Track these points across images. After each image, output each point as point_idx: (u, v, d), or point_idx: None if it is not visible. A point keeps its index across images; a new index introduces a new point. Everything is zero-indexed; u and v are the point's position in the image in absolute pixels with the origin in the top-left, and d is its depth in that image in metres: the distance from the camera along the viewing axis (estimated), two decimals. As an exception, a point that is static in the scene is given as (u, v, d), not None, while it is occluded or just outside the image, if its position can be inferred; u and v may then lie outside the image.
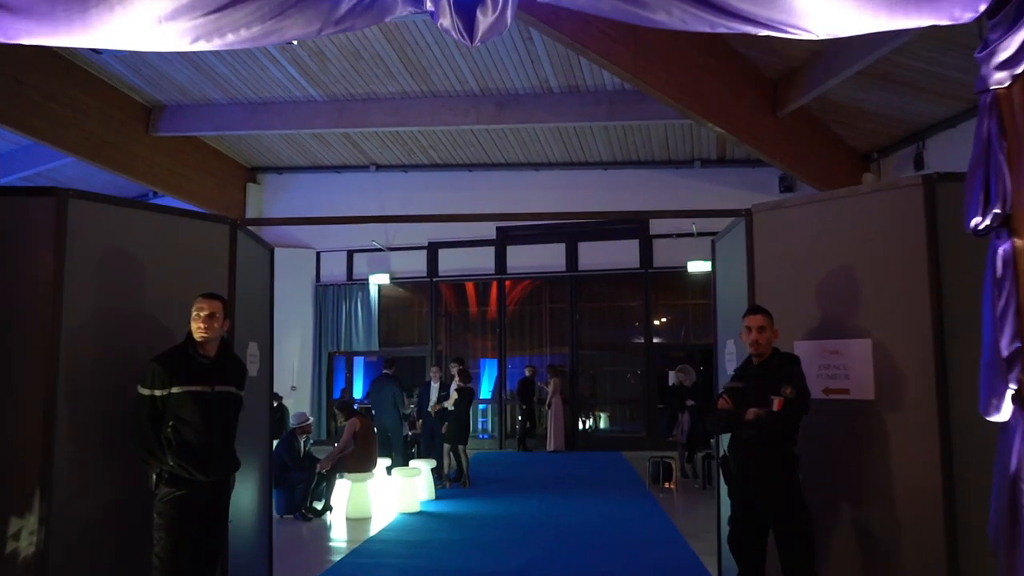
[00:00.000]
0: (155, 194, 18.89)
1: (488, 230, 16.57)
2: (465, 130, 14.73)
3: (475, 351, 17.07)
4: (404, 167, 17.03)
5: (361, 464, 8.00)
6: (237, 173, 17.53)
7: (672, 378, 14.43)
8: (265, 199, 17.97)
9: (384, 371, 10.91)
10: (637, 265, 15.88)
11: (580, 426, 16.02)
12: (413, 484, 8.30)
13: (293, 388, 16.92)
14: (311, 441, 8.19)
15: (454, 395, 10.16)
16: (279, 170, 17.80)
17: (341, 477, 8.13)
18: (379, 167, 17.11)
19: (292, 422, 8.11)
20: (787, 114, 12.34)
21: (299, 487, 7.73)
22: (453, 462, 10.40)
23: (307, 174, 17.73)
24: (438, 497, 9.33)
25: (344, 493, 8.02)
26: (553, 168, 16.41)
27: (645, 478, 10.71)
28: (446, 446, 10.18)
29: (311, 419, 8.18)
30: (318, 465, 7.94)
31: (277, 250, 17.00)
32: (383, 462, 9.53)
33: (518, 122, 13.26)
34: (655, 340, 15.79)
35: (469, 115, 13.38)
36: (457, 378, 10.32)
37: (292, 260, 17.36)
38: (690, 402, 10.58)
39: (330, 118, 13.94)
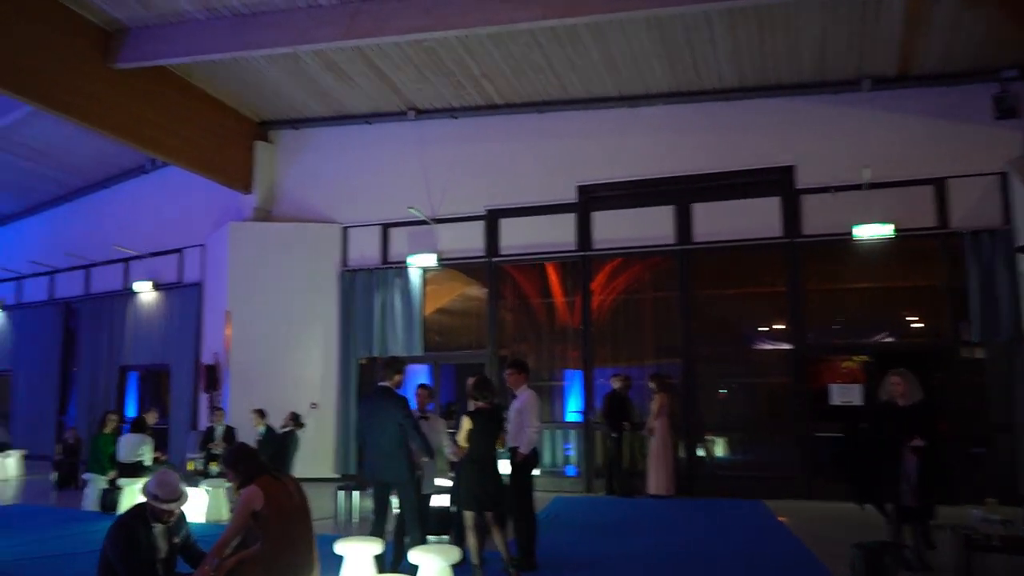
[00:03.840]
0: (154, 163, 15.80)
1: (567, 191, 12.52)
2: (531, 50, 10.77)
3: (555, 358, 13.00)
4: (452, 111, 13.21)
5: (274, 578, 4.06)
6: (241, 128, 14.17)
7: (834, 394, 10.01)
8: (279, 160, 14.53)
9: (380, 384, 6.75)
10: (779, 232, 11.55)
11: (695, 461, 11.65)
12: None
13: (313, 406, 13.32)
14: (184, 531, 4.29)
15: (465, 423, 6.16)
16: (295, 123, 14.31)
17: (240, 605, 4.18)
18: (419, 112, 13.37)
19: (148, 488, 4.22)
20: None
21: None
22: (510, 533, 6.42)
23: (330, 128, 14.21)
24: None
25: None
26: (655, 102, 12.35)
27: (832, 563, 6.44)
28: (467, 515, 6.13)
29: (184, 493, 4.29)
30: (185, 585, 4.04)
31: (291, 227, 13.51)
32: (359, 547, 5.53)
33: (602, 11, 9.17)
34: (806, 339, 11.29)
35: (531, 8, 9.42)
36: (474, 395, 6.35)
37: (311, 238, 13.88)
38: (917, 442, 6.15)
39: (338, 27, 10.28)
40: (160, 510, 4.14)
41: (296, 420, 10.96)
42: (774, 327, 11.90)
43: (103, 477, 10.24)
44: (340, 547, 5.66)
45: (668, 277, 12.22)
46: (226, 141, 13.82)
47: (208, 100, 13.34)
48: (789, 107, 11.71)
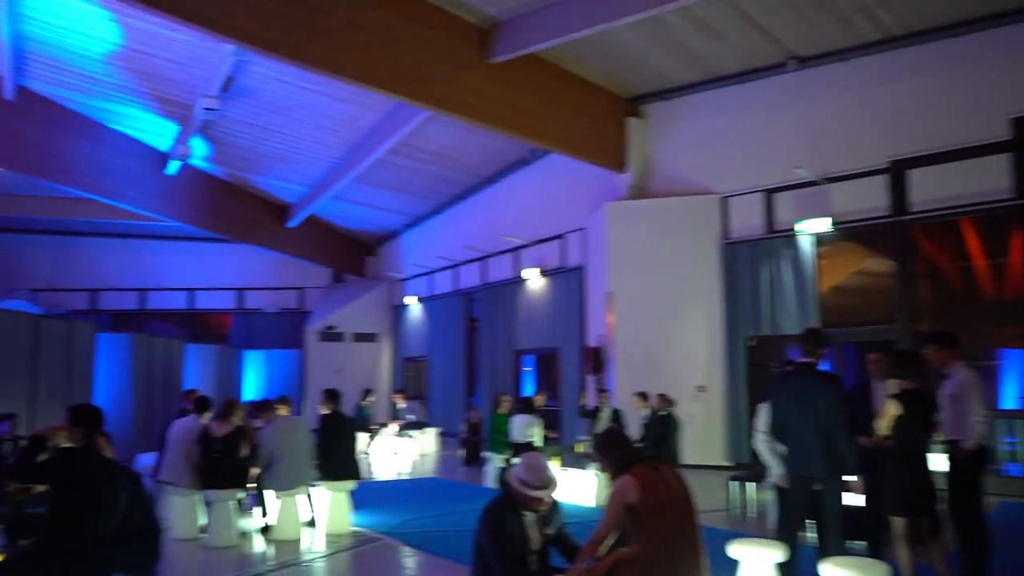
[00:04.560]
0: (534, 153, 16.44)
1: (995, 127, 10.30)
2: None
3: (981, 334, 10.84)
4: (839, 53, 11.71)
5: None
6: (612, 106, 14.04)
7: None
8: (652, 136, 14.17)
9: (802, 359, 5.55)
10: None
11: None
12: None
13: (700, 388, 12.72)
14: (557, 522, 3.88)
15: (891, 407, 4.90)
16: (665, 94, 13.82)
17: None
18: (801, 60, 11.98)
19: (516, 473, 3.88)
20: None
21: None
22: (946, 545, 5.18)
23: (701, 93, 13.51)
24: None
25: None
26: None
27: None
28: (896, 522, 4.94)
29: (554, 480, 3.82)
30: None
31: (668, 202, 13.05)
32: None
33: None
34: None
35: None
36: (896, 372, 5.09)
37: (689, 212, 13.31)
38: None
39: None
40: (528, 497, 3.81)
41: (666, 401, 10.48)
42: None
43: (499, 456, 10.71)
44: (736, 549, 4.94)
45: None
46: (598, 121, 13.80)
47: (578, 82, 13.42)
48: None
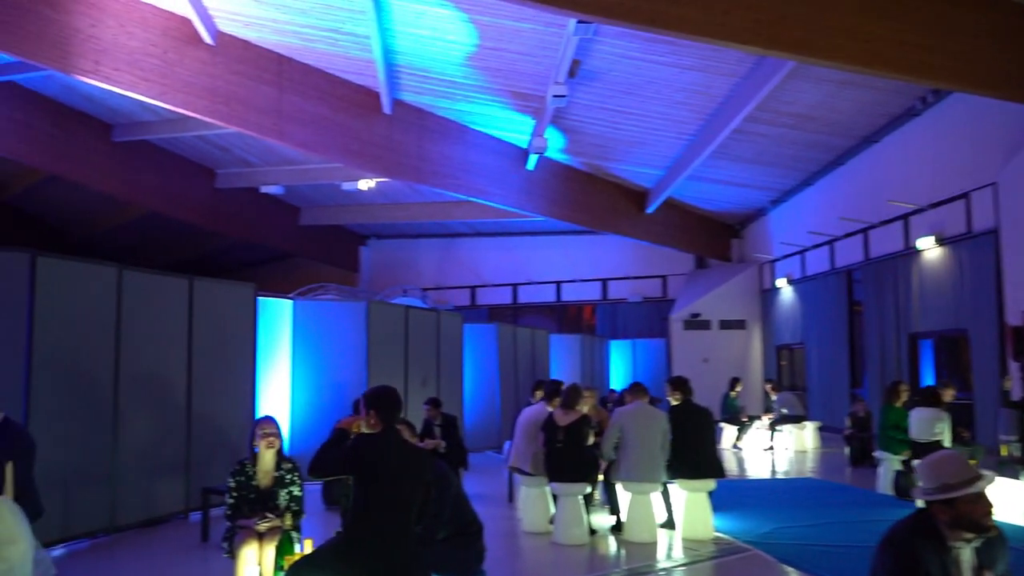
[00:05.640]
0: (925, 101, 14.01)
1: None
2: None
3: None
4: None
5: None
6: (1030, 24, 11.14)
7: None
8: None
9: None
10: None
11: None
12: None
13: None
14: (1002, 563, 2.54)
15: None
16: (1109, -4, 10.61)
17: None
18: None
19: (925, 484, 2.60)
20: None
21: None
22: None
23: None
24: None
25: None
26: None
27: None
28: None
29: (984, 473, 2.52)
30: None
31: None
32: None
33: None
34: None
35: None
36: None
37: None
38: None
39: None
40: (967, 498, 2.56)
41: None
42: None
43: (895, 456, 8.94)
44: None
45: None
46: (1012, 45, 11.05)
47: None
48: None
